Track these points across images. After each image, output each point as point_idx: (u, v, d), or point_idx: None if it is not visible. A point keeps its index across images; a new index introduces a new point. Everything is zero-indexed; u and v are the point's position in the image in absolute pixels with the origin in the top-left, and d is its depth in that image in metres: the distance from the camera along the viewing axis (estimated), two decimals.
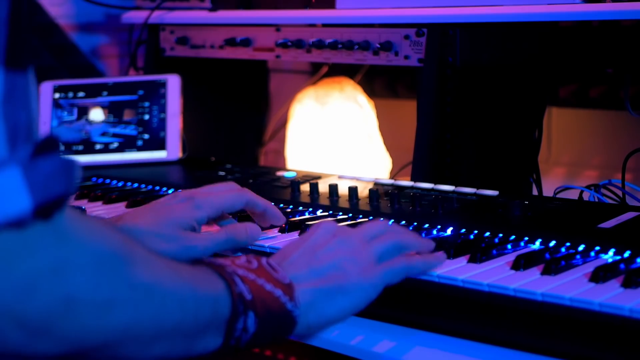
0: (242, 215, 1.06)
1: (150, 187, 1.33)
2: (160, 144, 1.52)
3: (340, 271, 0.80)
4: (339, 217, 1.08)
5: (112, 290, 0.62)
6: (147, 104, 1.53)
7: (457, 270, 0.85)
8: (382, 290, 0.82)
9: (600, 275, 0.80)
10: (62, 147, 1.50)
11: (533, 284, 0.80)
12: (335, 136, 1.54)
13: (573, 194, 1.22)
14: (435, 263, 0.86)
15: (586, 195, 1.20)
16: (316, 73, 1.75)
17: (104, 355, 0.64)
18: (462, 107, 1.25)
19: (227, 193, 0.99)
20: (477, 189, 1.14)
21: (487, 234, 0.97)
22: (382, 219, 1.03)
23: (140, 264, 0.66)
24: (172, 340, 0.69)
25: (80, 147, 1.51)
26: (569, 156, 1.57)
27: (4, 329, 0.58)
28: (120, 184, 1.37)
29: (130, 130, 1.52)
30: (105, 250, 0.63)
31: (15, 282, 0.57)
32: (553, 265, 0.83)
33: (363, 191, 1.17)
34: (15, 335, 0.58)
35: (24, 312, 0.58)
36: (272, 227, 1.04)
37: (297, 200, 1.17)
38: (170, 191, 1.29)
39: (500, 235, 0.96)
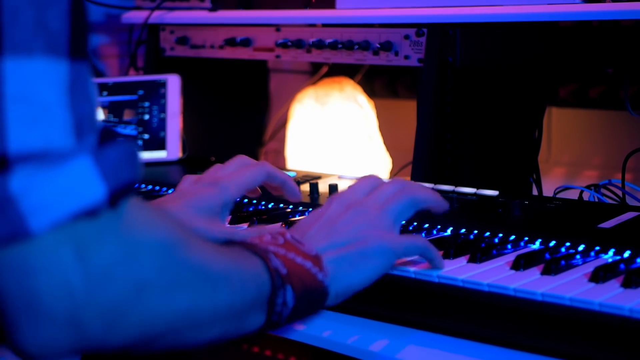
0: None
1: (150, 187, 1.33)
2: (160, 144, 1.52)
3: (360, 238, 0.81)
4: None
5: (174, 275, 0.63)
6: (147, 104, 1.53)
7: (457, 270, 0.85)
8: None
9: (600, 275, 0.80)
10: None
11: (533, 284, 0.80)
12: (335, 136, 1.54)
13: (573, 194, 1.22)
14: (441, 264, 0.87)
15: (586, 195, 1.20)
16: (316, 73, 1.75)
17: (166, 342, 0.65)
18: (462, 107, 1.25)
19: (248, 170, 0.98)
20: (477, 189, 1.14)
21: (487, 234, 0.97)
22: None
23: (194, 248, 0.66)
24: (225, 322, 0.70)
25: None
26: (569, 156, 1.57)
27: (84, 320, 0.58)
28: None
29: (130, 130, 1.52)
30: (166, 237, 0.64)
31: (92, 271, 0.58)
32: (553, 265, 0.83)
33: None
34: (94, 325, 0.58)
35: (101, 301, 0.58)
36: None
37: None
38: (170, 191, 1.29)
39: (500, 235, 0.96)
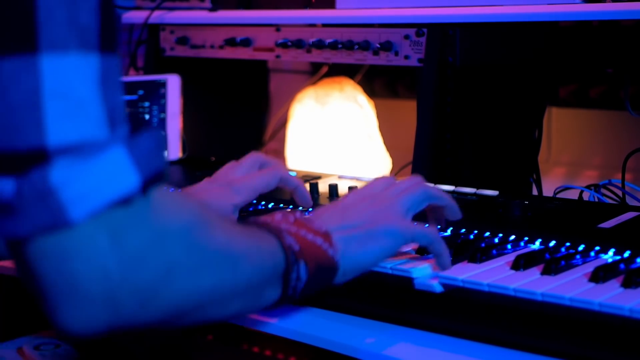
0: None
1: None
2: None
3: (369, 221, 0.84)
4: None
5: (199, 257, 0.67)
6: (147, 104, 1.53)
7: (457, 270, 0.85)
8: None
9: (600, 275, 0.80)
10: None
11: (533, 284, 0.80)
12: (335, 136, 1.54)
13: (573, 194, 1.22)
14: (447, 262, 0.86)
15: (586, 195, 1.20)
16: (316, 73, 1.75)
17: (192, 318, 0.69)
18: (462, 107, 1.25)
19: (262, 174, 1.03)
20: (477, 189, 1.14)
21: (487, 234, 0.97)
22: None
23: (217, 229, 0.70)
24: (245, 297, 0.73)
25: None
26: (569, 156, 1.57)
27: (120, 300, 0.61)
28: None
29: None
30: (190, 221, 0.67)
31: (126, 256, 0.61)
32: (553, 265, 0.83)
33: None
34: (129, 305, 0.62)
35: (135, 283, 0.62)
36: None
37: None
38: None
39: (500, 235, 0.96)
